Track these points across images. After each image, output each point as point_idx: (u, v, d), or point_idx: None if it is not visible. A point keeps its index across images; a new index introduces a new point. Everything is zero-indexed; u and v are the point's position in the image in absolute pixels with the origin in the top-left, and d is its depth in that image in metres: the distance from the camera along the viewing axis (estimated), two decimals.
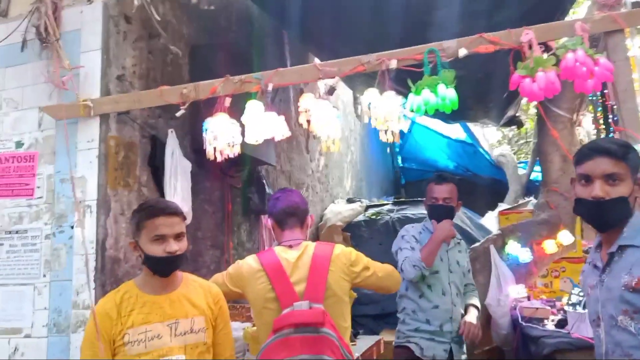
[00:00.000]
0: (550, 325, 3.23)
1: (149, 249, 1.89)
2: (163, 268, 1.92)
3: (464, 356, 2.88)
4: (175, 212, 1.94)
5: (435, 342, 2.80)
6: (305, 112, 2.52)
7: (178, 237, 1.92)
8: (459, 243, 3.05)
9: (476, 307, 2.94)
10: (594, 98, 4.09)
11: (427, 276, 2.79)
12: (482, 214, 7.64)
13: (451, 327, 2.82)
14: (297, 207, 2.28)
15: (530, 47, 2.33)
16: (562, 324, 3.16)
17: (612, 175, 1.64)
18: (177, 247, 1.90)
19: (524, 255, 3.80)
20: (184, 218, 2.00)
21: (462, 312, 2.91)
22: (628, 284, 1.58)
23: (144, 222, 1.91)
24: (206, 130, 2.58)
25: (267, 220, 2.35)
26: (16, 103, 2.96)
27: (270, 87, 2.50)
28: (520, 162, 10.56)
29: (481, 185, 10.24)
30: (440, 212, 2.88)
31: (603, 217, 1.69)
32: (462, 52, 2.40)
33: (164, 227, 1.88)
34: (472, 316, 2.85)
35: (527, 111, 9.38)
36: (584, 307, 2.93)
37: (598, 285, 1.72)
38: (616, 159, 1.64)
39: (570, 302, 3.09)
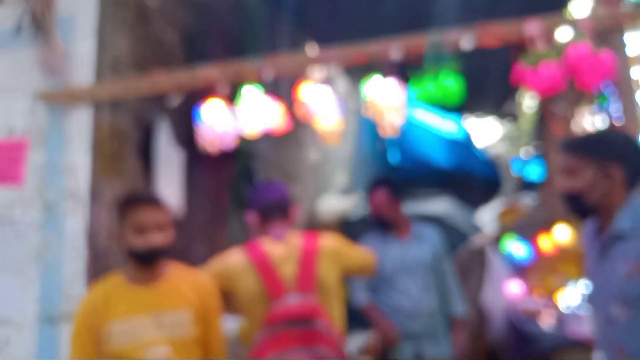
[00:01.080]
0: (545, 323, 3.27)
1: (131, 240, 1.87)
2: (145, 259, 1.89)
3: (440, 351, 2.89)
4: (157, 202, 1.91)
5: (402, 341, 2.86)
6: (304, 102, 2.51)
7: (160, 227, 1.89)
8: (419, 235, 3.04)
9: (463, 318, 2.99)
10: (593, 96, 4.14)
11: (386, 281, 2.92)
12: (476, 212, 7.68)
13: (416, 326, 2.86)
14: (281, 200, 2.26)
15: (533, 39, 2.35)
16: (558, 322, 3.19)
17: (565, 168, 1.72)
18: (160, 237, 1.87)
19: (520, 253, 3.84)
20: (168, 208, 1.97)
21: (433, 305, 2.92)
22: (626, 271, 1.60)
23: (125, 213, 1.89)
24: (201, 119, 2.57)
25: (249, 214, 2.30)
26: (7, 89, 2.93)
27: (268, 75, 2.49)
28: (514, 161, 10.60)
29: (476, 183, 10.29)
30: (375, 221, 3.06)
31: (566, 207, 1.79)
32: (466, 43, 2.41)
33: (145, 217, 1.86)
34: (462, 336, 2.94)
35: (522, 110, 9.43)
36: (581, 305, 2.97)
37: (594, 271, 1.75)
38: (567, 152, 1.71)
39: (567, 300, 3.12)
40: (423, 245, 3.02)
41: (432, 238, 3.06)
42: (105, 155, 2.78)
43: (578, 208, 1.74)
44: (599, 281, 1.71)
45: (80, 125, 2.74)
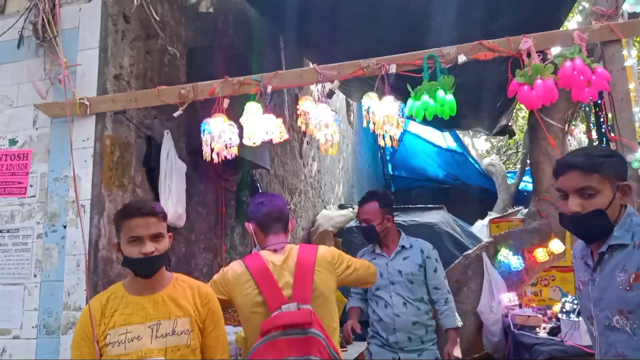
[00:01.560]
0: (542, 333, 3.22)
1: (127, 251, 1.85)
2: (140, 269, 1.87)
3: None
4: (150, 212, 1.87)
5: (385, 350, 2.94)
6: (304, 115, 2.49)
7: (156, 237, 1.86)
8: (403, 248, 3.02)
9: (454, 328, 2.93)
10: (587, 108, 4.12)
11: (372, 292, 3.01)
12: (472, 222, 7.65)
13: (396, 338, 2.90)
14: (281, 212, 2.25)
15: (529, 55, 2.32)
16: (554, 331, 3.14)
17: (584, 189, 1.62)
18: (154, 248, 1.84)
19: (516, 262, 3.80)
20: (164, 218, 1.93)
21: (415, 318, 2.90)
22: (625, 281, 1.56)
23: (121, 224, 1.87)
24: (204, 131, 2.54)
25: (248, 225, 2.29)
26: (11, 100, 2.90)
27: (269, 90, 2.47)
28: (509, 172, 10.61)
29: (471, 194, 10.29)
30: (364, 234, 3.07)
31: (583, 230, 1.68)
32: (462, 59, 2.39)
33: (138, 228, 1.83)
34: (451, 344, 2.90)
35: (517, 122, 9.44)
36: (578, 315, 2.92)
37: (589, 284, 1.71)
38: (586, 172, 1.62)
39: (564, 310, 3.07)
40: (409, 259, 2.99)
41: (421, 250, 3.03)
42: (107, 167, 2.75)
43: (598, 228, 1.65)
44: (596, 293, 1.67)
45: (82, 136, 2.71)
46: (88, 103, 2.67)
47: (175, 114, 2.60)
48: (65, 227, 2.68)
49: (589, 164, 1.62)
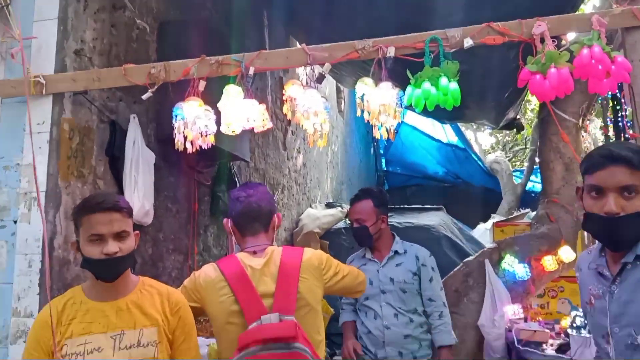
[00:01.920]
0: (550, 350, 3.25)
1: (86, 250, 1.82)
2: (102, 272, 1.84)
3: None
4: (114, 207, 1.84)
5: None
6: (291, 101, 2.48)
7: (119, 236, 1.84)
8: (397, 254, 3.03)
9: (448, 346, 2.92)
10: (604, 102, 4.16)
11: (361, 302, 3.01)
12: (473, 226, 7.71)
13: (385, 353, 2.90)
14: (258, 211, 2.18)
15: (542, 40, 2.33)
16: (563, 348, 3.18)
17: (629, 187, 1.58)
18: (117, 247, 1.82)
19: (522, 271, 3.83)
20: (129, 214, 1.91)
21: (408, 331, 2.91)
22: None
23: (80, 220, 1.85)
24: (176, 116, 2.52)
25: (226, 222, 2.25)
26: None
27: (251, 71, 2.46)
28: (515, 171, 10.70)
29: (473, 194, 10.36)
30: (356, 236, 3.05)
31: (618, 235, 1.62)
32: (468, 43, 2.39)
33: (100, 225, 1.81)
34: None
35: (525, 115, 9.52)
36: (589, 332, 2.95)
37: (607, 297, 1.69)
38: (633, 168, 1.57)
39: (574, 325, 3.11)
40: (402, 266, 3.00)
41: (417, 257, 3.03)
42: (65, 155, 2.71)
43: (635, 234, 1.60)
44: (615, 308, 1.67)
45: (37, 119, 2.67)
46: (44, 82, 2.64)
47: (144, 97, 2.58)
48: (15, 222, 2.64)
49: (637, 159, 1.57)
